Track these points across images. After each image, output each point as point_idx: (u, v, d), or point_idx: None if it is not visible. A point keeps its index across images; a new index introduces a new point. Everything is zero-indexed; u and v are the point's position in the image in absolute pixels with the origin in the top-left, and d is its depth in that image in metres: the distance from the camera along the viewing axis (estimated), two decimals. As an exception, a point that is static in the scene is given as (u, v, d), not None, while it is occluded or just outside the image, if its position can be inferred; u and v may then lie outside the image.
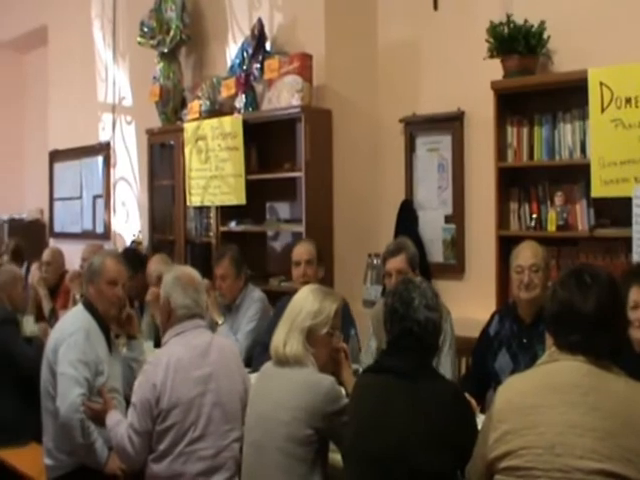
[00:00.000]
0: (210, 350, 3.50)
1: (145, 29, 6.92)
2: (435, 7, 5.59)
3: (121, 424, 3.49)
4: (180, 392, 3.34)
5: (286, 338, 3.17)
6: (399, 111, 5.74)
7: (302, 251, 4.81)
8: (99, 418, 3.67)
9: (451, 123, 5.49)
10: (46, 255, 6.81)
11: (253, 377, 3.66)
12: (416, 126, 5.71)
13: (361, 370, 3.78)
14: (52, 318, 6.01)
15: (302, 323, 3.18)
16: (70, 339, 3.82)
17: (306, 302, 3.25)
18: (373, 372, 2.95)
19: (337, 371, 3.40)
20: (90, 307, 3.99)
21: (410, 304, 2.84)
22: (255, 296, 5.20)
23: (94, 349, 3.85)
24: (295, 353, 3.14)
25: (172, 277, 3.65)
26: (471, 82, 5.25)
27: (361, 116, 5.90)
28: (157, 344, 5.07)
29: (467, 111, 5.39)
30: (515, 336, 3.94)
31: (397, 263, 4.27)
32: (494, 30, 4.83)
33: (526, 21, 4.75)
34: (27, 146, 10.78)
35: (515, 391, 2.40)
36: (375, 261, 5.64)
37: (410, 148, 5.74)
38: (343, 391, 3.26)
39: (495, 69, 4.87)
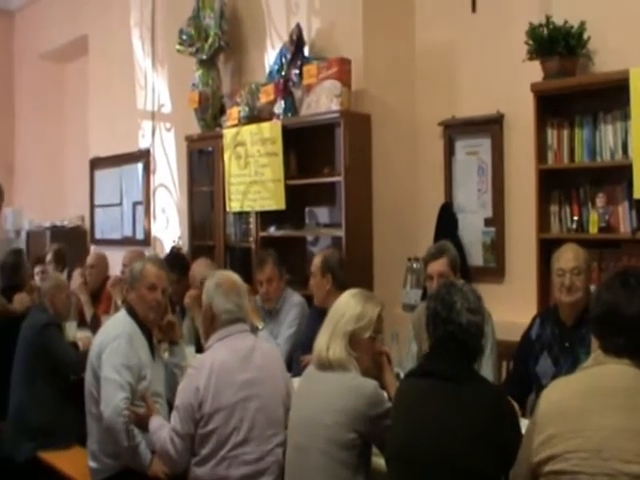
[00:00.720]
0: (253, 354, 3.51)
1: (184, 37, 6.95)
2: (473, 9, 5.56)
3: (164, 428, 3.53)
4: (223, 396, 3.35)
5: (329, 342, 3.18)
6: (438, 114, 5.72)
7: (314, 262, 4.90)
8: (142, 423, 3.71)
9: (490, 126, 5.46)
10: (90, 259, 6.90)
11: (294, 381, 3.68)
12: (455, 129, 5.69)
13: (402, 374, 3.79)
14: (94, 324, 6.07)
15: (344, 327, 3.19)
16: (113, 344, 3.87)
17: (348, 306, 3.25)
18: (416, 376, 2.94)
19: (379, 375, 3.39)
20: (132, 312, 4.04)
21: (452, 307, 2.83)
22: (294, 300, 5.23)
23: (137, 354, 3.89)
24: (338, 357, 3.14)
25: (214, 282, 3.66)
26: (510, 84, 5.23)
27: (400, 120, 5.89)
28: (198, 349, 5.10)
29: (506, 113, 5.35)
30: (557, 339, 3.91)
31: (439, 266, 4.27)
32: (533, 32, 4.80)
33: (566, 22, 4.71)
34: (68, 154, 10.88)
35: (560, 394, 2.38)
36: (415, 265, 5.63)
37: (449, 151, 5.72)
38: (386, 395, 3.26)
39: (535, 71, 4.84)
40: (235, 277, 3.78)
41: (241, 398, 3.36)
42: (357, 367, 3.17)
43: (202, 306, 3.72)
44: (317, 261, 4.84)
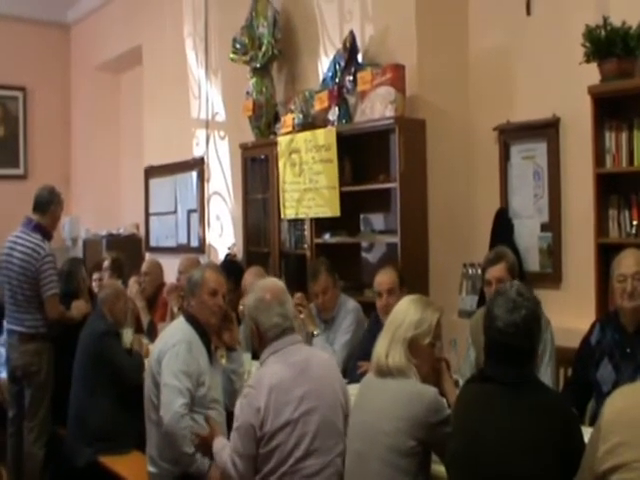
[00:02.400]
0: (309, 366, 3.46)
1: (237, 45, 7.00)
2: (528, 12, 5.51)
3: (226, 449, 3.50)
4: (284, 414, 3.30)
5: (388, 349, 3.17)
6: (493, 119, 5.67)
7: (383, 280, 4.82)
8: (206, 445, 3.72)
9: (546, 130, 5.39)
10: (145, 266, 6.98)
11: (350, 388, 3.67)
12: (510, 134, 5.63)
13: (461, 381, 3.77)
14: (151, 330, 6.14)
15: (404, 334, 3.17)
16: (173, 350, 3.91)
17: (407, 313, 3.24)
18: (475, 382, 2.93)
19: (439, 382, 3.38)
20: (192, 319, 4.08)
21: (492, 313, 2.81)
22: (349, 306, 5.23)
23: (196, 360, 3.92)
24: (397, 364, 3.13)
25: (254, 299, 3.61)
26: (567, 87, 5.16)
27: (455, 125, 5.87)
28: (255, 355, 5.13)
29: (563, 117, 5.28)
30: (618, 346, 3.85)
31: (497, 272, 4.24)
32: (590, 34, 4.72)
33: (624, 23, 4.63)
34: (123, 163, 11.04)
35: (626, 402, 2.35)
36: (470, 271, 5.60)
37: (505, 156, 5.66)
38: (445, 402, 3.24)
39: (592, 73, 4.76)
40: (273, 284, 3.73)
41: (302, 413, 3.32)
42: (417, 374, 3.15)
43: (247, 323, 3.69)
44: (392, 276, 4.81)
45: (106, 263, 7.24)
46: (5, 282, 5.75)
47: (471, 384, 2.97)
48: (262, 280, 4.02)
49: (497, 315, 2.77)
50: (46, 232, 5.79)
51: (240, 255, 7.17)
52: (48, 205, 5.83)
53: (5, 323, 5.92)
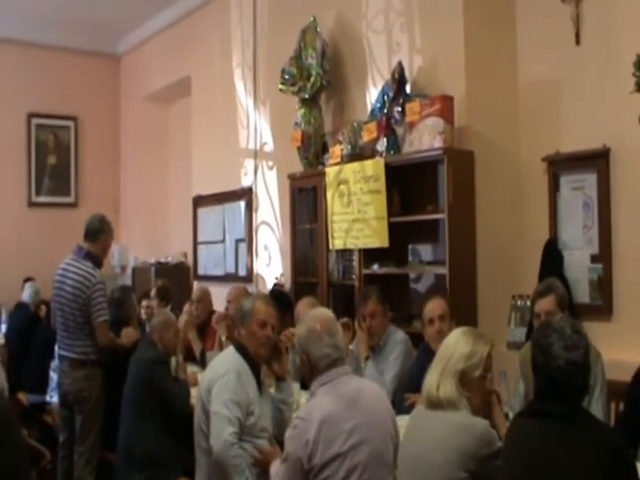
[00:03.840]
0: (360, 397, 3.45)
1: (286, 76, 7.05)
2: (577, 42, 5.50)
3: (279, 474, 3.50)
4: (333, 446, 3.28)
5: (439, 381, 3.16)
6: (542, 150, 5.66)
7: (435, 307, 4.81)
8: (264, 462, 3.76)
9: (596, 160, 5.36)
10: (196, 293, 7.04)
11: (397, 419, 3.66)
12: (560, 164, 5.60)
13: (511, 413, 3.74)
14: (203, 359, 6.19)
15: (455, 366, 3.16)
16: (222, 379, 3.94)
17: (458, 344, 3.23)
18: (527, 416, 2.90)
19: (489, 414, 3.36)
20: (241, 349, 4.10)
21: (549, 351, 2.78)
22: (398, 337, 5.22)
23: (245, 390, 3.95)
24: (448, 396, 3.12)
25: (304, 330, 3.60)
26: (617, 117, 5.14)
27: (503, 156, 5.86)
28: (303, 385, 5.14)
29: (613, 147, 5.25)
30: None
31: (546, 304, 4.21)
32: (641, 63, 4.72)
33: (674, 52, 4.62)
34: (172, 192, 11.16)
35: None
36: (519, 302, 5.57)
37: (554, 187, 5.63)
38: (496, 434, 3.22)
39: (642, 103, 4.75)
40: (323, 314, 3.73)
41: (351, 446, 3.29)
42: (467, 406, 3.14)
43: (297, 354, 3.68)
44: (442, 303, 4.81)
45: (153, 291, 7.32)
46: (57, 309, 5.85)
47: (522, 418, 2.94)
48: (312, 310, 4.03)
49: (557, 353, 2.75)
50: (97, 260, 5.87)
51: (288, 285, 7.19)
52: (99, 233, 5.92)
53: (57, 349, 6.01)
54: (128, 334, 5.94)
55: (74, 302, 5.69)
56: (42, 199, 11.18)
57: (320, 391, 3.48)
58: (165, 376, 5.24)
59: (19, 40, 10.64)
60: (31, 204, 11.07)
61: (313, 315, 3.75)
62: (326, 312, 3.79)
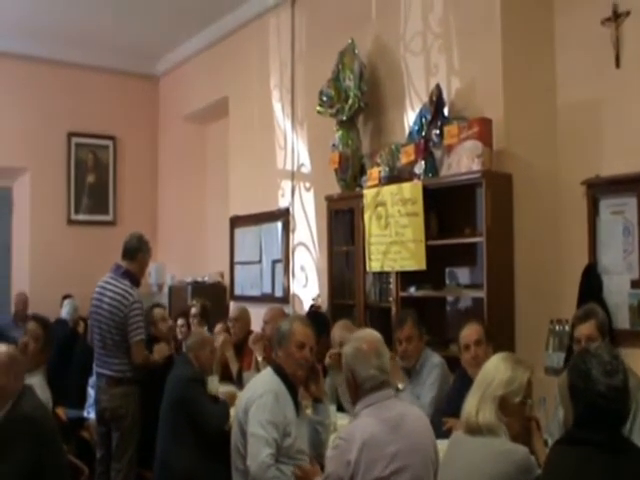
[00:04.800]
0: (403, 422, 3.46)
1: (324, 98, 7.06)
2: (617, 65, 5.48)
3: None
4: (374, 470, 3.30)
5: (478, 406, 3.15)
6: (581, 173, 5.62)
7: (470, 332, 4.81)
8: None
9: (637, 184, 5.31)
10: (234, 312, 7.08)
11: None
12: (599, 188, 5.56)
13: (550, 440, 3.71)
14: (240, 379, 6.21)
15: (494, 392, 3.15)
16: (260, 400, 3.96)
17: (498, 370, 3.22)
18: (565, 444, 2.88)
19: (529, 441, 3.34)
20: (279, 370, 4.12)
21: (588, 377, 2.76)
22: (435, 361, 5.21)
23: (282, 411, 3.96)
24: (488, 422, 3.11)
25: (352, 348, 3.64)
26: (658, 141, 5.12)
27: (542, 179, 5.82)
28: (340, 407, 5.14)
29: (654, 171, 5.23)
30: None
31: (586, 329, 4.18)
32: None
33: None
34: (209, 212, 11.21)
35: None
36: (557, 327, 5.53)
37: (593, 211, 5.59)
38: (535, 461, 3.20)
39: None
40: (373, 336, 3.75)
41: (392, 471, 3.31)
42: (507, 432, 3.13)
43: (344, 373, 3.71)
44: (478, 328, 4.82)
45: (194, 310, 7.37)
46: (95, 326, 5.91)
47: (561, 445, 2.91)
48: (361, 330, 4.05)
49: (597, 379, 2.73)
50: (135, 279, 5.93)
51: (325, 307, 7.18)
52: (137, 252, 5.98)
53: (94, 366, 6.06)
54: (160, 350, 6.00)
55: (112, 320, 5.75)
56: (81, 217, 11.29)
57: (364, 413, 3.51)
58: (199, 394, 5.28)
59: (60, 61, 10.80)
60: (70, 222, 11.17)
61: (360, 335, 3.79)
62: (373, 333, 3.81)
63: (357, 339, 3.71)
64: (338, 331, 5.60)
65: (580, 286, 5.51)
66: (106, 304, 5.78)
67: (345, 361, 3.66)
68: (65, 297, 9.59)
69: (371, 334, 3.79)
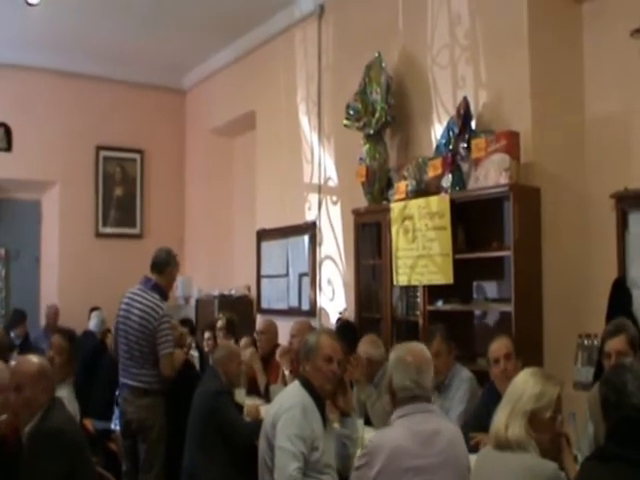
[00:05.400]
0: (436, 438, 3.45)
1: (351, 111, 7.06)
2: (646, 77, 5.47)
3: None
4: None
5: (507, 421, 3.12)
6: (609, 186, 5.57)
7: (499, 346, 4.79)
8: None
9: (666, 198, 5.30)
10: (261, 325, 7.10)
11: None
12: (628, 201, 5.50)
13: (580, 456, 3.68)
14: (267, 393, 6.21)
15: (524, 407, 3.12)
16: (287, 414, 3.95)
17: (527, 385, 3.19)
18: (597, 460, 2.84)
19: (559, 457, 3.30)
20: (306, 384, 4.11)
21: (622, 390, 2.73)
22: (464, 376, 5.18)
23: (310, 425, 3.95)
24: (517, 437, 3.08)
25: (396, 356, 3.67)
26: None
27: (570, 193, 5.80)
28: (367, 421, 5.12)
29: (684, 184, 5.19)
30: None
31: (617, 344, 4.14)
32: None
33: None
34: (236, 225, 11.25)
35: None
36: (586, 342, 5.47)
37: (622, 224, 5.54)
38: (565, 477, 3.17)
39: None
40: (419, 351, 3.75)
41: None
42: (536, 448, 3.09)
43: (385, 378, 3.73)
44: (508, 342, 4.79)
45: (220, 323, 7.38)
46: (122, 336, 5.91)
47: (593, 462, 2.87)
48: (413, 343, 4.02)
49: (632, 392, 2.70)
50: (163, 292, 5.95)
51: (352, 320, 7.15)
52: (165, 266, 6.00)
53: (120, 377, 6.08)
54: (177, 356, 6.01)
55: (140, 332, 5.76)
56: (109, 230, 11.38)
57: (396, 423, 3.54)
58: (228, 407, 5.28)
59: (88, 75, 10.92)
60: (98, 235, 11.27)
61: (410, 346, 3.83)
62: (424, 350, 3.82)
63: (405, 349, 3.75)
64: (364, 346, 5.59)
65: (609, 300, 5.45)
66: (135, 316, 5.80)
67: (389, 366, 3.70)
68: (93, 309, 9.66)
69: (421, 350, 3.80)
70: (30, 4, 8.01)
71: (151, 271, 6.00)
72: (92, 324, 9.28)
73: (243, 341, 7.05)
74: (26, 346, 8.76)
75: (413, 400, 3.55)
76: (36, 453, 3.83)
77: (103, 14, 9.08)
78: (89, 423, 6.76)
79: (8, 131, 10.60)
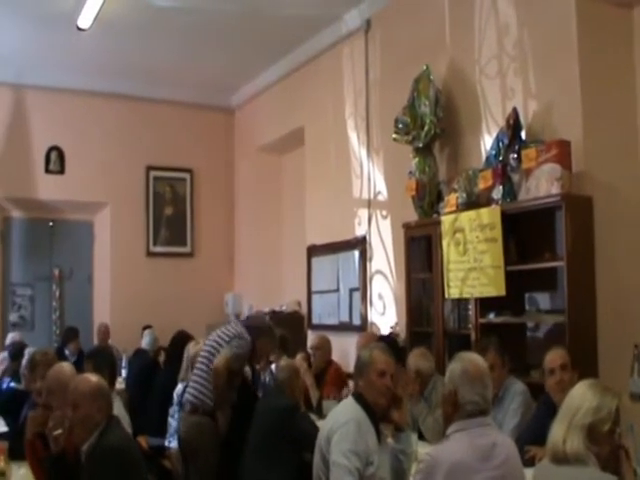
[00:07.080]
0: (494, 452, 3.41)
1: (400, 125, 7.04)
2: (701, 84, 5.39)
3: None
4: None
5: (565, 435, 3.07)
6: (664, 195, 5.52)
7: (556, 357, 4.73)
8: None
9: None
10: (315, 341, 7.13)
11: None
12: (684, 210, 5.46)
13: (639, 469, 3.61)
14: (320, 408, 6.21)
15: (582, 420, 3.07)
16: (342, 429, 3.94)
17: (585, 398, 3.14)
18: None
19: (618, 470, 3.24)
20: (360, 399, 4.10)
21: None
22: (517, 389, 5.13)
23: (364, 440, 3.93)
24: (576, 451, 3.03)
25: (460, 368, 3.59)
26: None
27: (623, 202, 5.71)
28: (421, 436, 5.09)
29: None
30: None
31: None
32: None
33: None
34: (285, 241, 11.29)
35: None
36: (642, 352, 5.40)
37: (677, 233, 5.48)
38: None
39: None
40: (481, 364, 3.67)
41: None
42: (595, 461, 3.04)
43: (444, 389, 3.66)
44: (563, 353, 4.76)
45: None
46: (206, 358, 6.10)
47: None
48: (472, 354, 3.94)
49: None
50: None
51: (403, 335, 7.13)
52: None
53: (184, 396, 6.14)
54: None
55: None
56: (159, 249, 11.50)
57: (455, 436, 3.47)
58: (306, 421, 5.35)
59: (139, 97, 11.13)
60: (149, 254, 11.40)
61: (469, 357, 3.74)
62: (483, 362, 3.74)
63: (466, 359, 3.66)
64: (414, 359, 5.57)
65: (667, 311, 5.38)
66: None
67: (451, 378, 3.59)
68: (145, 327, 9.74)
69: (480, 360, 3.72)
70: (81, 29, 8.17)
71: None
72: (144, 342, 9.36)
73: (298, 357, 7.06)
74: (81, 362, 8.86)
75: (477, 414, 3.48)
76: (94, 471, 3.87)
77: (151, 36, 9.24)
78: (143, 440, 6.81)
79: (61, 154, 10.81)
